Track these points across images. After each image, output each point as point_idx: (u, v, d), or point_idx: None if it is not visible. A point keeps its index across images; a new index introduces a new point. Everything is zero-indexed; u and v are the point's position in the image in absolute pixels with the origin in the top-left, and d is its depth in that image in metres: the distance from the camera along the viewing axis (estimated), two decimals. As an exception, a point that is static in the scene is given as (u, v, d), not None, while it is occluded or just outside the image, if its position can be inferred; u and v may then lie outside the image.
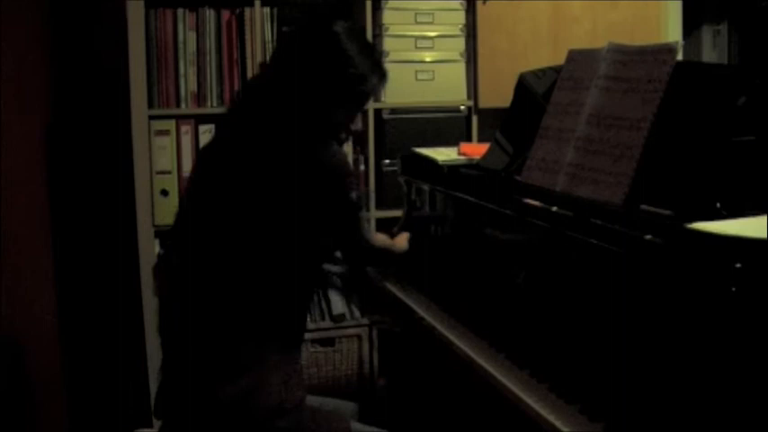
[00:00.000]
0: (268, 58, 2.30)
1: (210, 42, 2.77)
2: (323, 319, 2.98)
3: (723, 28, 3.76)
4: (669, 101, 1.53)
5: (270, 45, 2.81)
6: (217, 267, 1.57)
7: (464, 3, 3.06)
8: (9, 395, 2.06)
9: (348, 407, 1.79)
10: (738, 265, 1.15)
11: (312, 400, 1.67)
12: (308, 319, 1.90)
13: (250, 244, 1.57)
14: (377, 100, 3.02)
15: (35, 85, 2.50)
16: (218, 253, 1.57)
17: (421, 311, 1.88)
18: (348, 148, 3.01)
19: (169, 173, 2.70)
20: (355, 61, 1.67)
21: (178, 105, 2.74)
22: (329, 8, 2.87)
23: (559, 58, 1.89)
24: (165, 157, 2.70)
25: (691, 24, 3.57)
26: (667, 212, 1.39)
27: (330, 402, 1.76)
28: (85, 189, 2.86)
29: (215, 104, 2.77)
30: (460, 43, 3.07)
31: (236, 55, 2.78)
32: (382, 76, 1.76)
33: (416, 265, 2.16)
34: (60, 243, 2.60)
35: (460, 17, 3.06)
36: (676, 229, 1.30)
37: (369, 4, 2.96)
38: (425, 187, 2.26)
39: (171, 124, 2.71)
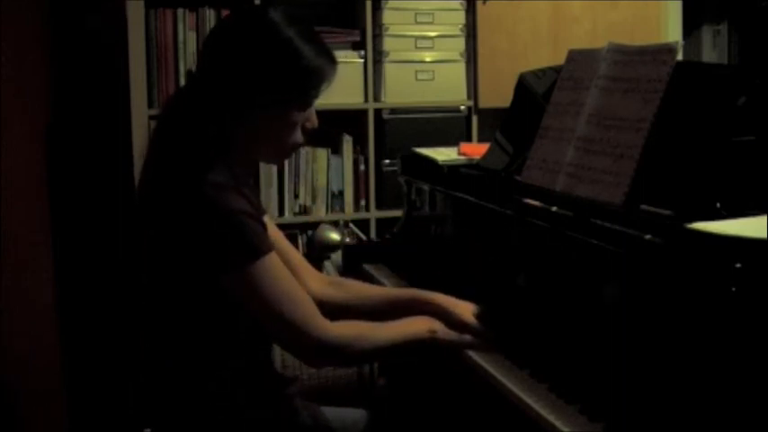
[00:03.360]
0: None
1: (210, 42, 2.77)
2: (323, 319, 2.99)
3: (723, 28, 3.77)
4: (669, 101, 1.53)
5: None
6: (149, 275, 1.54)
7: (464, 3, 3.06)
8: (8, 396, 2.06)
9: (357, 415, 1.77)
10: (738, 265, 1.15)
11: (323, 411, 1.66)
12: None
13: (157, 260, 1.48)
14: (376, 100, 3.02)
15: (35, 85, 2.50)
16: (148, 263, 1.53)
17: (421, 311, 1.87)
18: (348, 147, 3.02)
19: (169, 173, 2.70)
20: (303, 54, 1.45)
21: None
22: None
23: (559, 58, 1.89)
24: (164, 157, 2.69)
25: (691, 24, 3.57)
26: (667, 212, 1.39)
27: (342, 412, 1.74)
28: (85, 189, 2.85)
29: (215, 104, 2.77)
30: (460, 43, 3.08)
31: (236, 55, 2.79)
32: (333, 62, 1.51)
33: (417, 264, 2.16)
34: (60, 243, 2.59)
35: (460, 17, 3.07)
36: (676, 229, 1.30)
37: (369, 4, 2.97)
38: (425, 187, 2.26)
39: (171, 124, 2.71)
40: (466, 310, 1.62)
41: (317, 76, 1.48)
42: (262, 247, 1.40)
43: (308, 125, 1.53)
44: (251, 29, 1.47)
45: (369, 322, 1.58)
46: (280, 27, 1.45)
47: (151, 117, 2.70)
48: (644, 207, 1.46)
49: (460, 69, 3.09)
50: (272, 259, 1.41)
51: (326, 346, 1.44)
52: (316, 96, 1.50)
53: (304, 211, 2.99)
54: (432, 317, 1.61)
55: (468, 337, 1.57)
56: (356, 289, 1.79)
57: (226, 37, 1.50)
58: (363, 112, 3.02)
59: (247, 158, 1.57)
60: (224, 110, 1.45)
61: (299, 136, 1.52)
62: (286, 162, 2.93)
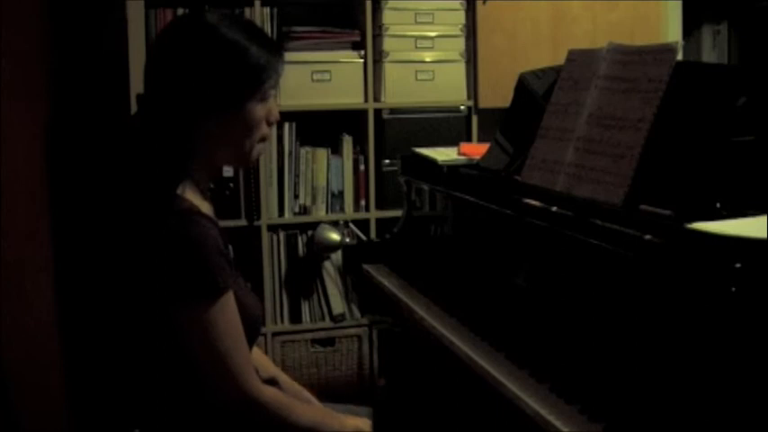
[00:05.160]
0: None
1: (210, 42, 2.77)
2: (323, 319, 2.99)
3: (723, 28, 3.76)
4: (669, 101, 1.53)
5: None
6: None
7: (464, 3, 3.06)
8: (8, 396, 2.06)
9: (361, 412, 1.76)
10: (738, 265, 1.15)
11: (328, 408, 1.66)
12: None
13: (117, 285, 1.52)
14: (376, 100, 3.02)
15: (35, 86, 2.50)
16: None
17: (421, 311, 1.88)
18: (348, 147, 3.02)
19: (169, 173, 2.70)
20: (250, 51, 1.43)
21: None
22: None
23: (559, 58, 1.89)
24: (164, 157, 2.69)
25: (691, 24, 3.57)
26: (667, 212, 1.39)
27: (344, 409, 1.74)
28: (86, 189, 2.85)
29: (215, 104, 2.77)
30: (460, 43, 3.07)
31: (236, 55, 2.78)
32: (280, 54, 1.49)
33: (417, 264, 2.16)
34: (60, 243, 2.59)
35: (460, 17, 3.06)
36: (676, 229, 1.30)
37: (369, 4, 2.96)
38: (425, 187, 2.26)
39: (171, 124, 2.71)
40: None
41: (266, 71, 1.46)
42: (223, 282, 1.39)
43: (272, 118, 1.52)
44: (192, 36, 1.45)
45: (297, 400, 1.58)
46: (220, 29, 1.44)
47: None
48: (644, 207, 1.46)
49: (460, 69, 3.09)
50: (229, 298, 1.40)
51: (254, 402, 1.42)
52: (271, 88, 1.49)
53: (304, 211, 2.99)
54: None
55: None
56: None
57: (169, 50, 1.47)
58: (363, 112, 3.02)
59: (214, 166, 1.56)
60: (182, 123, 1.43)
61: (264, 129, 1.51)
62: (286, 162, 2.93)
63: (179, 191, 1.42)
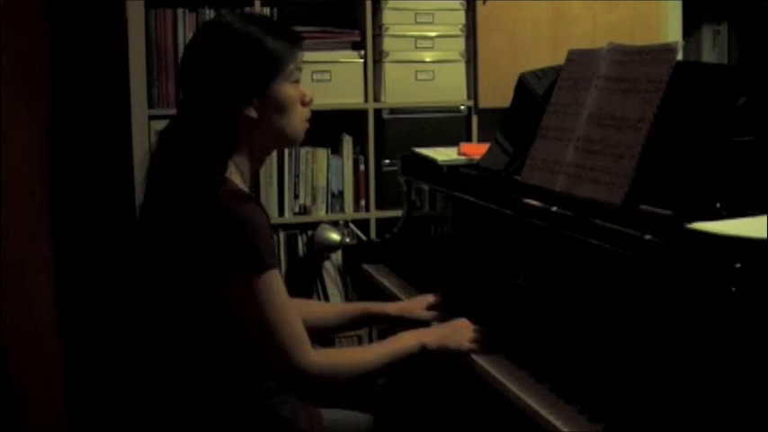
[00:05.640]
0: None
1: (210, 42, 2.77)
2: (323, 319, 2.99)
3: (723, 28, 3.76)
4: (669, 101, 1.53)
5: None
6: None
7: (464, 3, 3.06)
8: (8, 396, 2.06)
9: (363, 419, 1.77)
10: (738, 265, 1.15)
11: (326, 413, 1.66)
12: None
13: (162, 269, 1.56)
14: (376, 100, 3.02)
15: (35, 86, 2.50)
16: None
17: (421, 311, 1.87)
18: (348, 147, 3.02)
19: (169, 173, 2.70)
20: (264, 39, 1.52)
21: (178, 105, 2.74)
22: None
23: (559, 58, 1.89)
24: (164, 157, 2.69)
25: (691, 24, 3.57)
26: (667, 212, 1.39)
27: (344, 414, 1.74)
28: (86, 189, 2.85)
29: (215, 104, 2.77)
30: (460, 43, 3.07)
31: (236, 55, 2.78)
32: (296, 39, 1.58)
33: (417, 264, 2.16)
34: (60, 243, 2.59)
35: (460, 17, 3.07)
36: (676, 229, 1.30)
37: (369, 5, 2.96)
38: (425, 187, 2.26)
39: (171, 124, 2.71)
40: (419, 308, 1.75)
41: (284, 54, 1.53)
42: (270, 259, 1.45)
43: (306, 99, 1.59)
44: (210, 35, 1.56)
45: (355, 347, 1.63)
46: (234, 24, 1.53)
47: (151, 117, 2.70)
48: (644, 207, 1.46)
49: (460, 69, 3.09)
50: (276, 275, 1.46)
51: (308, 373, 1.48)
52: (295, 69, 1.55)
53: (304, 211, 2.99)
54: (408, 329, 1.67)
55: (462, 344, 1.58)
56: (304, 310, 1.79)
57: (193, 51, 1.57)
58: (363, 112, 3.02)
59: (259, 154, 1.61)
60: (217, 115, 1.50)
61: (303, 110, 1.59)
62: (286, 162, 2.93)
63: (229, 180, 1.49)
